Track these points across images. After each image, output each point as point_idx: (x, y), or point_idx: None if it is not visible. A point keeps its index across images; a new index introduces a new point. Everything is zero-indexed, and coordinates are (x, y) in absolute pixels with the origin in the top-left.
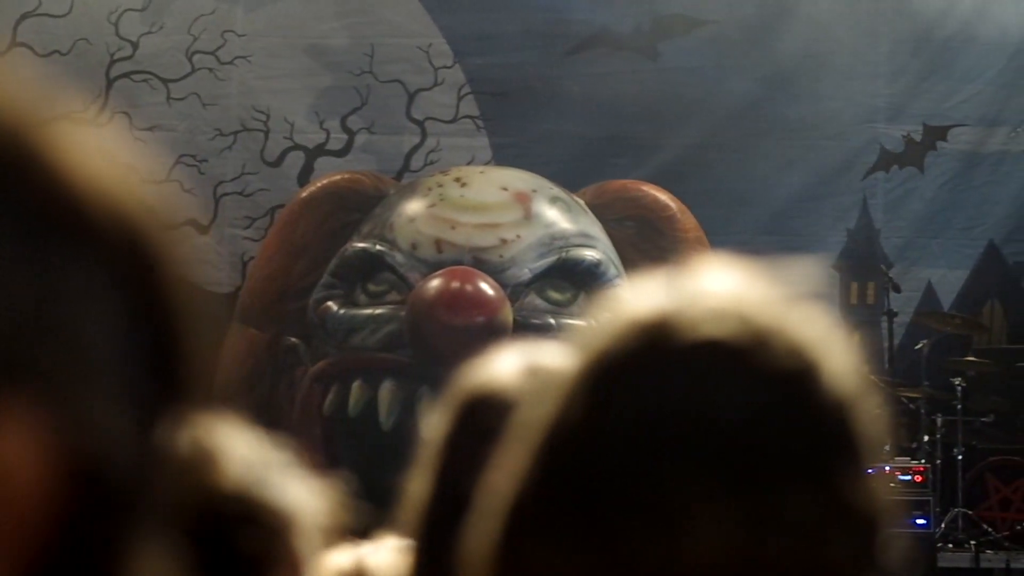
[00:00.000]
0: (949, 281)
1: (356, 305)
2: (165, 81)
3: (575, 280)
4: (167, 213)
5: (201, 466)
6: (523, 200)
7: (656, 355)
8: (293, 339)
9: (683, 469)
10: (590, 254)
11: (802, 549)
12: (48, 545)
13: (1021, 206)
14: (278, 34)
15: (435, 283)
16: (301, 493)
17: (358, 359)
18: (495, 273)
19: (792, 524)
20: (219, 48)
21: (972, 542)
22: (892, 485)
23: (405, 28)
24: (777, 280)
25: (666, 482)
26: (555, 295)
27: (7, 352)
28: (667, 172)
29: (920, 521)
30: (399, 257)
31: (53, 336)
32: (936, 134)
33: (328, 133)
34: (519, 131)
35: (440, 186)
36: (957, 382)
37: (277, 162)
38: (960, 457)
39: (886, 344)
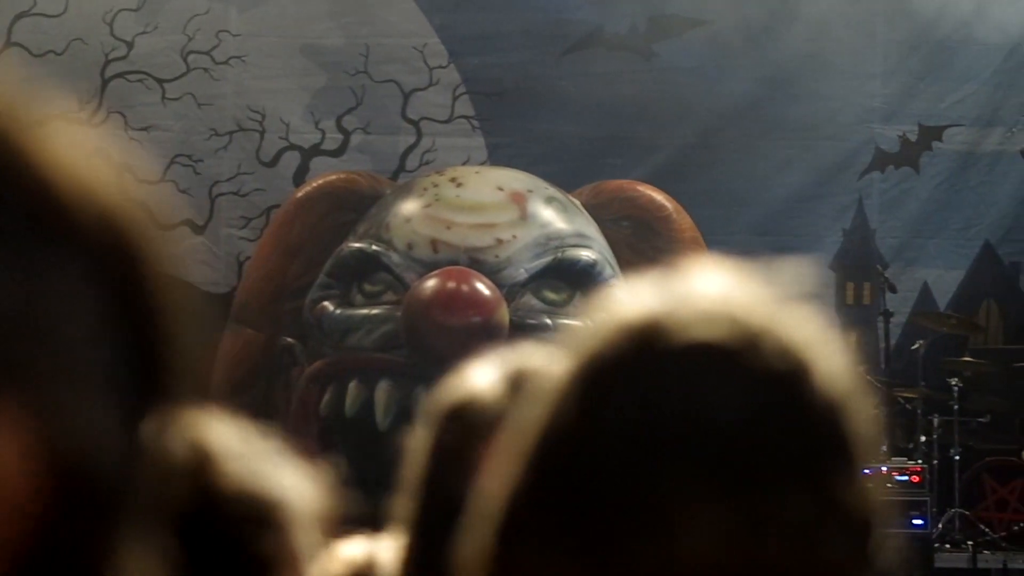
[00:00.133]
0: (945, 281)
1: (352, 305)
2: (160, 81)
3: (571, 280)
4: (156, 213)
5: (203, 467)
6: (519, 200)
7: (647, 358)
8: (289, 339)
9: (676, 472)
10: (586, 254)
11: (796, 550)
12: (33, 543)
13: (1017, 206)
14: (273, 34)
15: (431, 283)
16: (299, 486)
17: (354, 359)
18: (491, 273)
19: (786, 525)
20: (214, 48)
21: (969, 542)
22: (889, 486)
23: (400, 28)
24: (771, 281)
25: (659, 485)
26: (551, 295)
27: None
28: (663, 172)
29: (917, 521)
30: (395, 257)
31: (37, 336)
32: (932, 134)
33: (324, 133)
34: (515, 131)
35: (436, 186)
36: (954, 382)
37: (273, 162)
38: (957, 457)
39: (882, 344)
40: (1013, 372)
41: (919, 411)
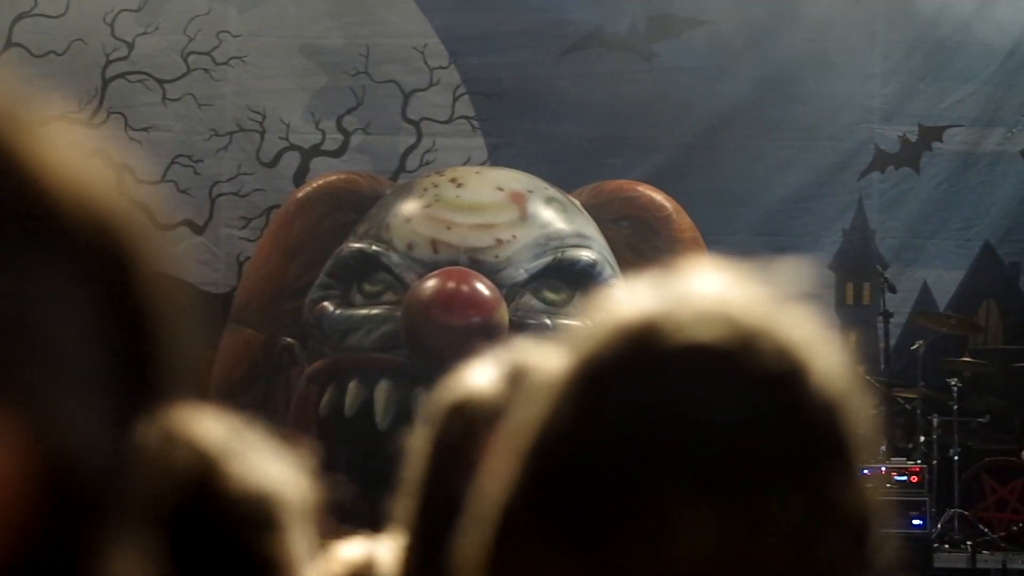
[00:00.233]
0: (945, 281)
1: (352, 305)
2: (161, 81)
3: (571, 280)
4: (156, 213)
5: (206, 468)
6: (519, 200)
7: (644, 359)
8: (289, 339)
9: (672, 473)
10: (586, 254)
11: (792, 552)
12: (23, 544)
13: (1017, 206)
14: (273, 34)
15: (431, 283)
16: (299, 486)
17: (354, 359)
18: (491, 273)
19: (783, 527)
20: (214, 49)
21: (968, 543)
22: (888, 486)
23: (400, 28)
24: (770, 281)
25: (656, 486)
26: (551, 295)
27: None
28: (663, 172)
29: (916, 522)
30: (395, 257)
31: (29, 338)
32: (932, 135)
33: (324, 133)
34: (515, 131)
35: (436, 186)
36: (953, 383)
37: (273, 162)
38: (956, 458)
39: (882, 345)
40: (1013, 372)
41: (918, 411)
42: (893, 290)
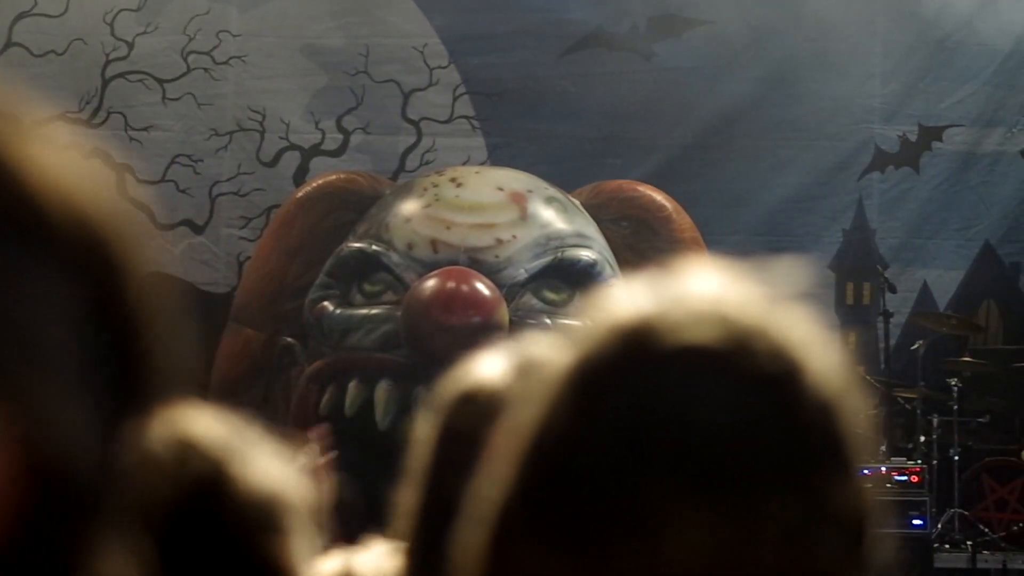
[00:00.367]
0: (945, 282)
1: (352, 305)
2: (160, 81)
3: (571, 280)
4: (147, 214)
5: (212, 471)
6: (519, 200)
7: (639, 360)
8: (289, 339)
9: (668, 474)
10: (586, 254)
11: (789, 553)
12: (10, 543)
13: (1017, 206)
14: (273, 34)
15: (431, 283)
16: (299, 488)
17: (354, 359)
18: (491, 273)
19: (779, 528)
20: (214, 48)
21: (968, 543)
22: (888, 486)
23: (400, 28)
24: (768, 281)
25: (651, 487)
26: (551, 295)
27: None
28: (663, 172)
29: (916, 522)
30: (395, 257)
31: (14, 338)
32: (932, 134)
33: (324, 133)
34: (515, 131)
35: (436, 186)
36: (953, 383)
37: (273, 162)
38: (956, 458)
39: (882, 345)
40: (1013, 372)
41: (919, 411)
42: (893, 290)
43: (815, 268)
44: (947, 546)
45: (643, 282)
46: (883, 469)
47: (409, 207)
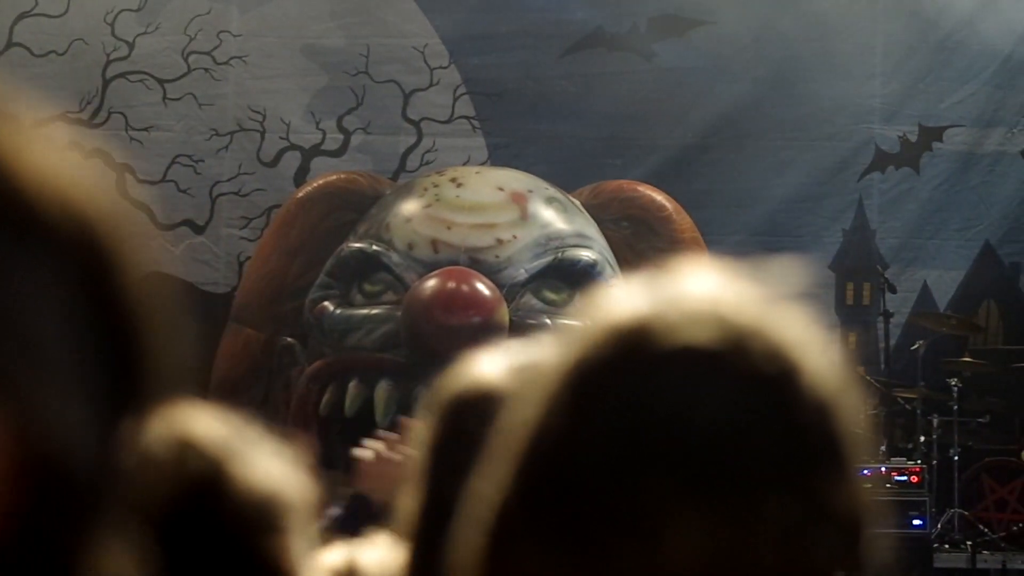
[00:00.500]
0: (945, 282)
1: (352, 305)
2: (161, 81)
3: (571, 280)
4: (147, 214)
5: (211, 470)
6: (519, 200)
7: (635, 361)
8: (289, 339)
9: (664, 475)
10: (586, 254)
11: (785, 553)
12: (8, 539)
13: (1017, 207)
14: (274, 34)
15: (431, 283)
16: (299, 487)
17: (354, 359)
18: (491, 273)
19: (776, 528)
20: (215, 48)
21: (968, 543)
22: (888, 486)
23: (401, 28)
24: (767, 281)
25: (648, 488)
26: (551, 295)
27: None
28: (663, 172)
29: (916, 522)
30: (395, 257)
31: (11, 334)
32: (932, 135)
33: (324, 133)
34: (515, 131)
35: (436, 186)
36: (953, 383)
37: (273, 162)
38: (956, 458)
39: (882, 345)
40: (1013, 372)
41: (918, 411)
42: (893, 290)
43: (815, 268)
44: (947, 546)
45: (641, 282)
46: (883, 469)
47: (409, 207)
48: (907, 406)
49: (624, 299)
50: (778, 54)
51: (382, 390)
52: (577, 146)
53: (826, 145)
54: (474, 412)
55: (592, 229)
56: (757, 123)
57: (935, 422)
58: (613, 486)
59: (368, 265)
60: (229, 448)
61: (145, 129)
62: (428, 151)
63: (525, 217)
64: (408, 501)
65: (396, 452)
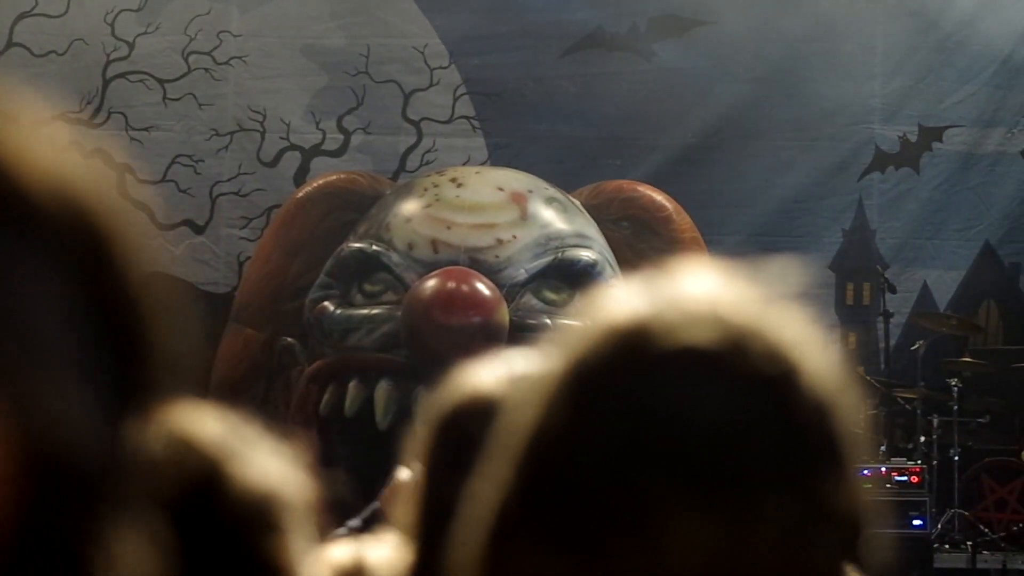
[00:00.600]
0: (945, 282)
1: (352, 305)
2: (161, 81)
3: (571, 280)
4: (147, 214)
5: (211, 468)
6: (519, 200)
7: (635, 362)
8: (289, 339)
9: (664, 475)
10: (586, 254)
11: (784, 553)
12: (13, 533)
13: (1017, 207)
14: (274, 34)
15: (431, 283)
16: (298, 486)
17: (354, 359)
18: (491, 273)
19: (775, 528)
20: (215, 48)
21: (968, 543)
22: (888, 486)
23: (401, 29)
24: (767, 281)
25: (647, 489)
26: (551, 295)
27: None
28: (663, 172)
29: (916, 522)
30: (395, 257)
31: (13, 330)
32: (932, 135)
33: (324, 133)
34: (515, 131)
35: (436, 186)
36: (953, 383)
37: (273, 162)
38: (956, 458)
39: (882, 345)
40: (1013, 372)
41: (919, 411)
42: (893, 290)
43: (815, 268)
44: (947, 546)
45: (641, 283)
46: (883, 469)
47: (409, 207)
48: (907, 406)
49: (624, 299)
50: (778, 54)
51: (382, 390)
52: (577, 146)
53: (826, 145)
54: (474, 414)
55: (592, 229)
56: (757, 123)
57: (935, 422)
58: (613, 486)
59: (368, 265)
60: (228, 447)
61: (145, 129)
62: (428, 151)
63: (525, 217)
64: (410, 502)
65: None
